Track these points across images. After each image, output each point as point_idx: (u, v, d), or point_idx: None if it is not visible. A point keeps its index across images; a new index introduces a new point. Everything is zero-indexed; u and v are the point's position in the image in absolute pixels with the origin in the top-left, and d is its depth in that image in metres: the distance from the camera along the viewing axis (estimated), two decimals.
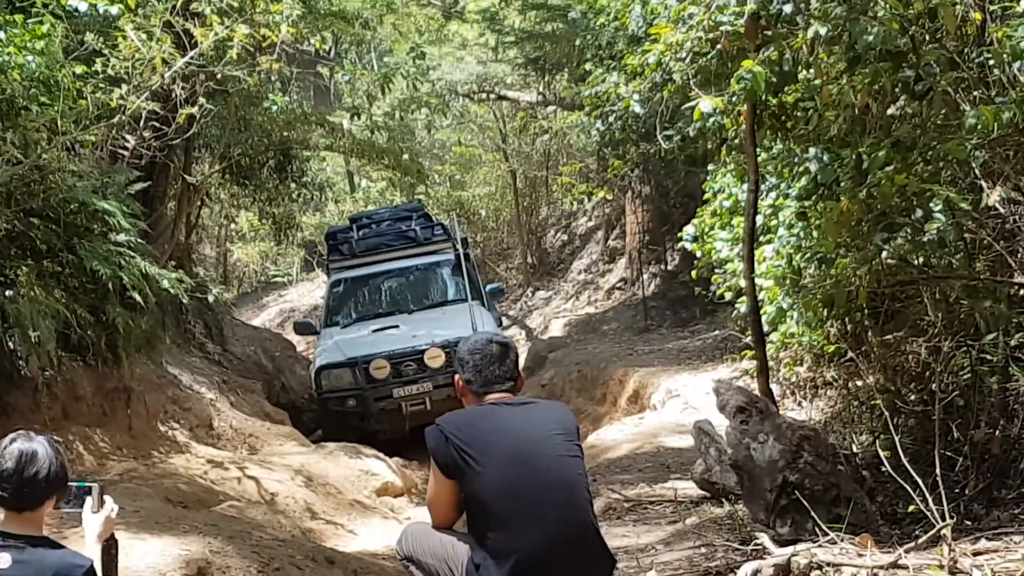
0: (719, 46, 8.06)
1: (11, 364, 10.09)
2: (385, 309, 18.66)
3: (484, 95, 30.06)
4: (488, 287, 19.54)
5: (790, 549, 6.05)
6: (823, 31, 7.00)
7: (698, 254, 14.24)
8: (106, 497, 4.46)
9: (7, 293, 9.72)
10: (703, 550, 7.61)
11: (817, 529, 6.54)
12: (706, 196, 13.85)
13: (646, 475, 11.05)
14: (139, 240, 11.72)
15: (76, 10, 10.76)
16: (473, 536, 5.09)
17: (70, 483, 4.36)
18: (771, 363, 10.74)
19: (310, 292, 36.96)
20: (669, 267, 25.08)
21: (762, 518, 7.26)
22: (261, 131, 17.94)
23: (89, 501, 4.46)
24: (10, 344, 9.91)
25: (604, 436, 14.44)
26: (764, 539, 6.76)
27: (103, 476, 10.50)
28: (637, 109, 9.60)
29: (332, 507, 11.54)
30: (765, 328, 10.69)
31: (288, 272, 39.92)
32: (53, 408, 10.98)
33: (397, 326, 17.54)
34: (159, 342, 13.19)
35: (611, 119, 10.93)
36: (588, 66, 13.14)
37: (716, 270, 13.73)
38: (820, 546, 6.08)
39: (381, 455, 14.05)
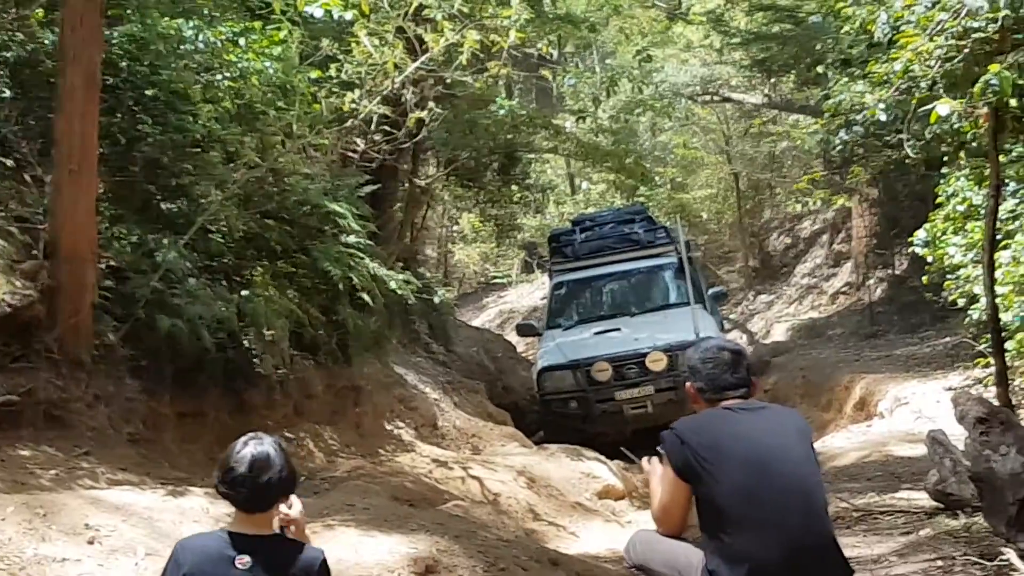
0: (966, 51, 7.87)
1: (247, 362, 10.36)
2: (607, 312, 18.64)
3: (708, 97, 29.85)
4: (710, 291, 19.37)
5: None
6: None
7: (929, 259, 13.90)
8: (292, 497, 4.53)
9: (244, 293, 10.01)
10: (940, 563, 7.40)
11: None
12: (939, 200, 13.51)
13: (875, 484, 10.83)
14: (368, 242, 11.96)
15: (312, 16, 11.01)
16: (707, 541, 5.04)
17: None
18: (1008, 372, 10.43)
19: (529, 293, 37.18)
20: (897, 272, 24.54)
21: (1003, 532, 7.05)
22: (487, 134, 18.14)
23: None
24: (246, 343, 10.19)
25: (830, 443, 14.21)
26: (1011, 554, 6.56)
27: (333, 473, 10.73)
28: (883, 117, 9.41)
29: (554, 508, 11.55)
30: (1003, 335, 10.39)
31: (508, 273, 40.22)
32: (286, 405, 11.25)
33: (619, 329, 17.49)
34: (387, 342, 13.43)
35: (855, 128, 10.72)
36: (820, 69, 12.95)
37: (948, 275, 13.39)
38: None
39: (602, 457, 14.05)
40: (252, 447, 4.20)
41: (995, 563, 6.70)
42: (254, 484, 4.14)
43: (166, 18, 9.69)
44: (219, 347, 9.59)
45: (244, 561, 4.11)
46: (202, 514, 6.94)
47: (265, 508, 4.22)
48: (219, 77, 10.06)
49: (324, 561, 4.29)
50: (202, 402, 9.91)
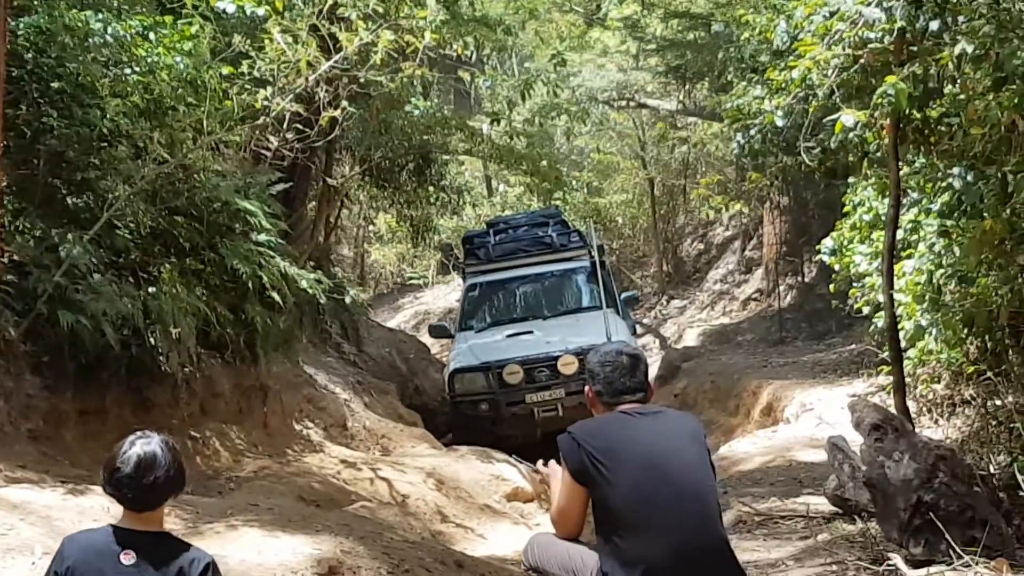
0: (863, 61, 8.00)
1: (152, 360, 10.28)
2: (520, 314, 18.68)
3: (624, 103, 29.99)
4: (623, 295, 19.45)
5: (923, 571, 5.97)
6: (970, 49, 6.91)
7: (836, 267, 14.06)
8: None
9: (150, 290, 9.93)
10: (834, 568, 7.52)
11: (951, 551, 6.44)
12: (846, 209, 13.66)
13: (778, 489, 10.95)
14: (279, 240, 11.92)
15: (224, 12, 10.98)
16: (602, 544, 5.10)
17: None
18: (908, 380, 10.59)
19: (445, 295, 37.16)
20: (806, 279, 24.82)
21: (895, 537, 7.17)
22: (402, 134, 18.13)
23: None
24: (151, 340, 10.11)
25: (736, 448, 14.34)
26: (897, 560, 6.67)
27: (238, 473, 10.69)
28: (779, 123, 9.53)
29: (462, 510, 11.58)
30: (903, 344, 10.54)
31: (424, 275, 40.17)
32: (191, 404, 11.18)
33: (531, 332, 17.55)
34: (296, 341, 13.39)
35: (752, 132, 10.84)
36: (730, 77, 13.08)
37: (854, 284, 13.55)
38: (954, 569, 5.99)
39: (512, 459, 14.09)
40: (139, 447, 4.19)
41: (883, 567, 6.81)
42: (140, 484, 4.14)
43: (73, 10, 9.59)
44: (123, 344, 9.51)
45: (129, 556, 4.11)
46: (102, 513, 6.91)
47: (153, 507, 4.22)
48: (128, 71, 9.97)
49: (212, 563, 4.29)
50: (104, 399, 9.83)
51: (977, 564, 6.04)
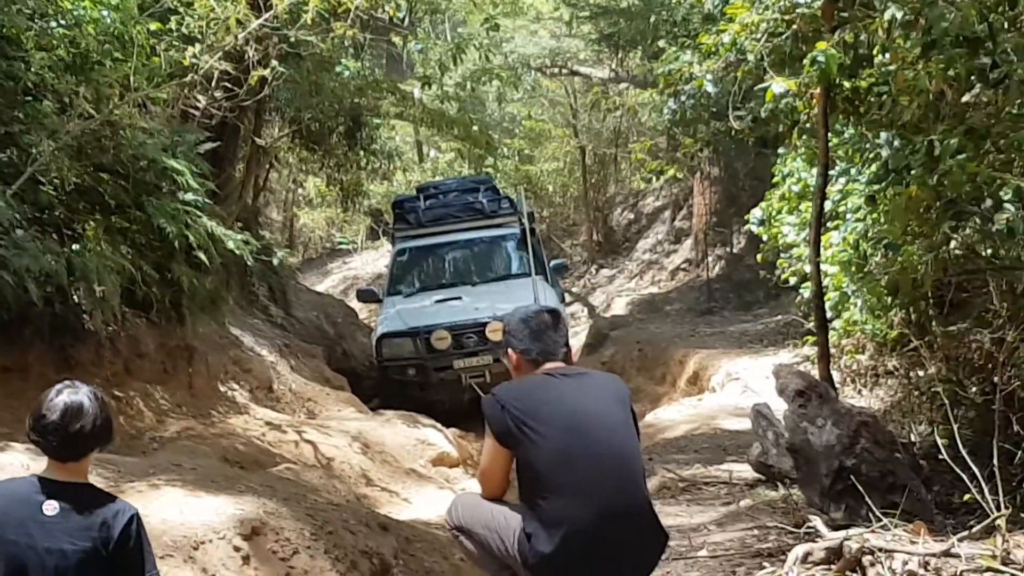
0: (795, 27, 8.01)
1: (76, 318, 10.18)
2: (448, 280, 18.73)
3: (556, 70, 29.98)
4: (552, 263, 19.52)
5: (842, 533, 6.00)
6: (899, 15, 6.93)
7: (764, 238, 14.13)
8: None
9: (74, 247, 9.80)
10: (756, 532, 7.59)
11: (871, 515, 6.50)
12: (775, 180, 13.74)
13: (702, 456, 11.04)
14: (207, 200, 11.80)
15: None
16: (525, 505, 5.10)
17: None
18: (833, 350, 10.68)
19: (374, 260, 37.07)
20: (735, 250, 24.95)
21: (816, 502, 7.25)
22: (332, 97, 17.99)
23: None
24: (75, 298, 10.01)
25: (662, 416, 14.43)
26: (817, 523, 6.72)
27: (162, 433, 10.61)
28: (710, 88, 9.56)
29: (388, 474, 11.58)
30: (828, 314, 10.62)
31: (353, 240, 40.08)
32: (115, 364, 11.08)
33: (460, 298, 17.58)
34: (223, 302, 13.28)
35: (683, 98, 10.86)
36: (662, 43, 13.08)
37: (782, 254, 13.63)
38: (873, 531, 6.03)
39: (438, 425, 14.11)
40: (66, 395, 4.14)
41: (803, 530, 6.87)
42: (66, 432, 4.08)
43: None
44: (47, 301, 9.38)
45: (51, 506, 4.06)
46: (22, 470, 6.79)
47: (78, 457, 4.17)
48: (53, 24, 9.80)
49: (136, 515, 4.25)
50: (26, 357, 9.71)
51: (896, 527, 6.09)
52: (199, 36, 11.16)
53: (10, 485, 4.27)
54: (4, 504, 4.07)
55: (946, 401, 7.57)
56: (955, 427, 6.89)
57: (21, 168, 9.40)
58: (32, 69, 9.63)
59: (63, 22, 9.84)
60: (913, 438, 8.66)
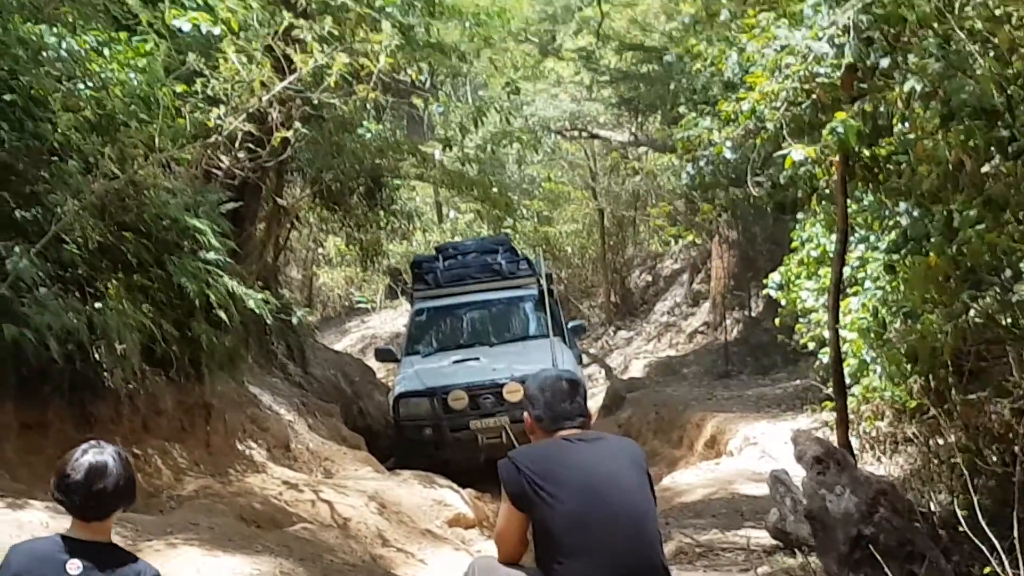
0: (814, 96, 8.07)
1: (96, 375, 10.23)
2: (466, 340, 18.72)
3: (576, 132, 30.08)
4: (570, 324, 19.53)
5: None
6: (919, 86, 6.99)
7: (783, 302, 14.13)
8: None
9: (96, 305, 9.85)
10: None
11: None
12: (794, 244, 13.75)
13: (719, 521, 10.99)
14: (227, 259, 11.87)
15: (179, 30, 10.93)
16: (541, 569, 5.10)
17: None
18: (851, 416, 10.65)
19: (392, 319, 37.12)
20: (753, 313, 24.93)
21: (835, 570, 7.21)
22: (353, 157, 18.07)
23: None
24: (96, 355, 10.06)
25: (679, 480, 14.38)
26: None
27: (180, 491, 10.63)
28: (729, 155, 9.60)
29: (403, 535, 11.55)
30: (847, 380, 10.61)
31: (372, 298, 40.12)
32: (134, 421, 11.12)
33: (477, 358, 17.57)
34: (241, 361, 13.32)
35: (702, 163, 10.91)
36: (681, 109, 13.14)
37: (800, 319, 13.61)
38: None
39: (455, 486, 14.08)
40: (91, 455, 4.18)
41: None
42: (89, 491, 4.12)
43: (28, 24, 9.54)
44: (67, 358, 9.43)
45: (75, 565, 4.09)
46: (41, 528, 6.84)
47: (101, 516, 4.20)
48: (81, 86, 9.90)
49: (157, 575, 4.28)
50: (46, 414, 9.76)
51: None
52: (224, 98, 11.24)
53: (34, 544, 4.30)
54: (28, 563, 4.10)
55: (965, 470, 7.54)
56: (975, 497, 6.87)
57: (45, 227, 9.47)
58: (59, 130, 9.75)
59: (90, 84, 9.93)
60: (932, 507, 8.62)
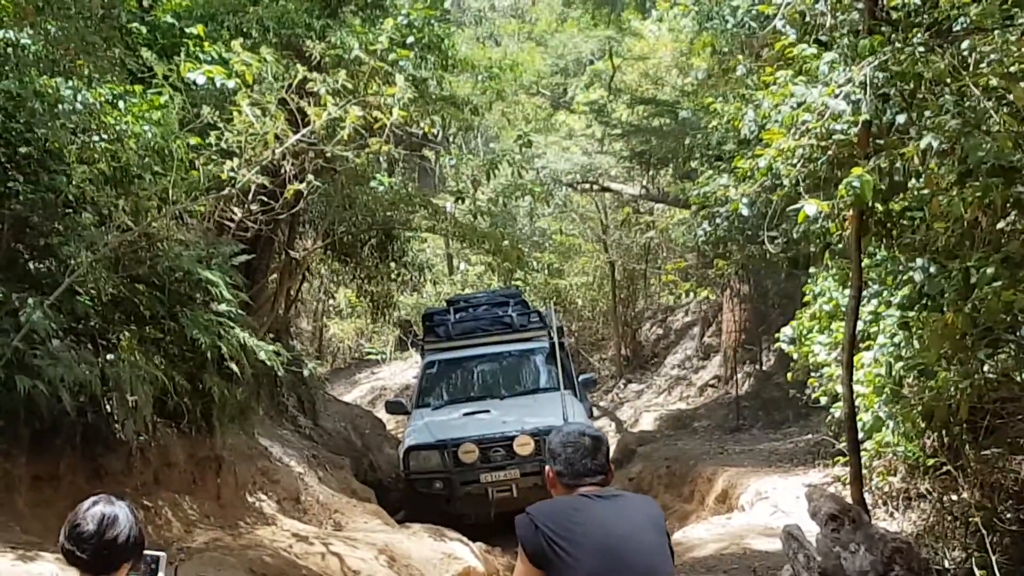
0: (830, 153, 8.08)
1: (107, 427, 10.24)
2: (477, 393, 18.71)
3: (587, 185, 30.12)
4: (581, 377, 19.48)
5: None
6: (935, 143, 6.99)
7: (795, 356, 14.11)
8: (169, 566, 4.48)
9: (108, 357, 9.86)
10: None
11: None
12: (806, 299, 13.74)
13: None
14: (240, 311, 11.88)
15: (194, 83, 11.00)
16: None
17: (145, 552, 4.37)
18: (864, 471, 10.60)
19: (403, 371, 37.09)
20: (764, 367, 24.89)
21: None
22: (365, 210, 18.13)
23: (162, 569, 4.47)
24: (108, 407, 10.06)
25: (690, 534, 14.31)
26: None
27: (189, 544, 10.59)
28: (745, 212, 9.62)
29: None
30: (860, 436, 10.57)
31: (382, 350, 40.12)
32: (145, 473, 11.12)
33: (488, 411, 17.54)
34: (252, 413, 13.32)
35: (718, 220, 10.94)
36: (695, 164, 13.18)
37: (812, 373, 13.58)
38: None
39: (465, 539, 14.03)
40: (102, 506, 4.16)
41: None
42: (100, 543, 4.09)
43: (44, 76, 9.59)
44: (79, 411, 9.44)
45: None
46: None
47: (111, 571, 4.16)
48: (96, 138, 9.95)
49: None
50: (58, 466, 9.76)
51: None
52: (237, 150, 11.28)
53: None
54: None
55: (981, 528, 7.51)
56: (991, 555, 6.83)
57: (59, 279, 9.50)
58: (73, 182, 9.78)
59: (105, 137, 9.98)
60: (947, 564, 8.57)
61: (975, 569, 7.18)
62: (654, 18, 25.99)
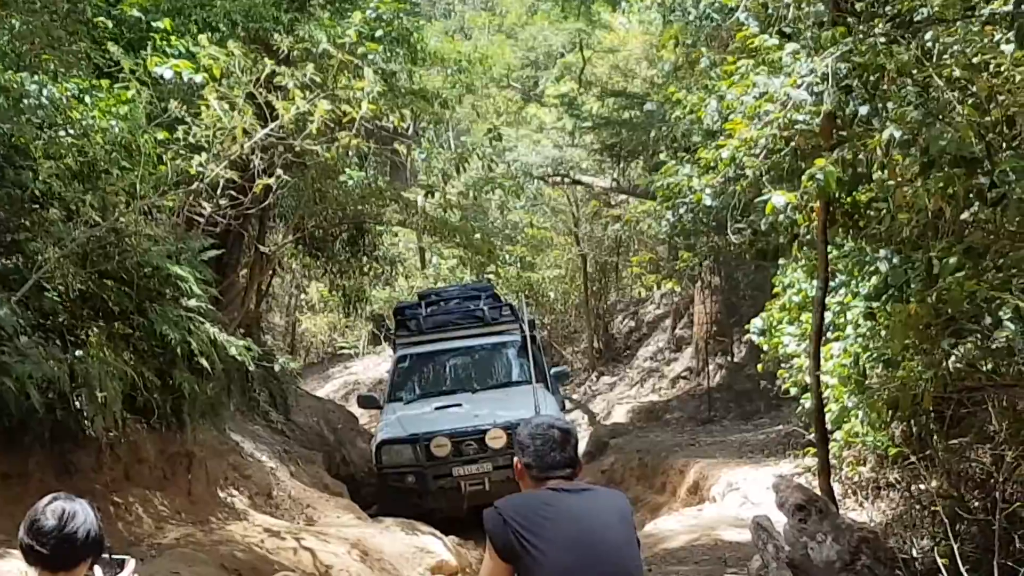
0: (793, 143, 8.11)
1: (77, 424, 10.17)
2: (449, 387, 18.70)
3: (559, 179, 30.13)
4: (553, 370, 19.50)
5: None
6: (898, 134, 7.02)
7: (765, 348, 14.16)
8: (130, 561, 4.47)
9: (77, 353, 9.82)
10: None
11: None
12: (775, 290, 13.79)
13: (702, 568, 10.97)
14: (209, 306, 11.85)
15: (161, 77, 10.96)
16: None
17: (106, 554, 4.36)
18: (834, 461, 10.67)
19: (376, 365, 37.05)
20: (735, 359, 24.94)
21: None
22: (336, 204, 18.14)
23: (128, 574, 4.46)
24: (77, 404, 10.01)
25: (662, 526, 14.35)
26: None
27: (161, 540, 10.56)
28: (709, 202, 9.64)
29: None
30: (829, 426, 10.62)
31: (355, 345, 40.10)
32: (115, 469, 11.07)
33: (460, 405, 17.53)
34: (223, 408, 13.27)
35: (682, 211, 10.95)
36: (663, 156, 13.19)
37: (782, 364, 13.63)
38: None
39: (437, 533, 14.03)
40: (62, 502, 4.15)
41: None
42: (60, 536, 4.07)
43: (9, 72, 9.54)
44: (48, 407, 9.38)
45: None
46: None
47: (70, 567, 4.15)
48: (62, 134, 9.91)
49: None
50: (27, 463, 9.70)
51: None
52: (206, 145, 11.23)
53: None
54: None
55: (946, 517, 7.56)
56: (956, 543, 6.87)
57: (26, 275, 9.46)
58: (40, 178, 9.74)
59: (72, 132, 9.94)
60: (915, 553, 8.61)
61: (939, 557, 7.23)
62: (622, 10, 26.04)
